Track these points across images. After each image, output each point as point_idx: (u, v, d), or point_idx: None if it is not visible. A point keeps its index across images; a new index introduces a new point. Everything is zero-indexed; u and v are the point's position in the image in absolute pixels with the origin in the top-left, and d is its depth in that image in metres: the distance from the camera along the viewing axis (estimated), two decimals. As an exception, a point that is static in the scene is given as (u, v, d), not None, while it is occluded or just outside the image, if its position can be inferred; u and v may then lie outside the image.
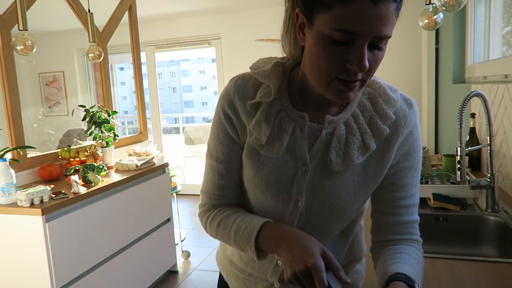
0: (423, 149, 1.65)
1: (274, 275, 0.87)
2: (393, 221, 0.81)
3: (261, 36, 4.27)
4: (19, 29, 2.08)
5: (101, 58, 2.82)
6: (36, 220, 1.83)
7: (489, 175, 1.45)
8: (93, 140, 2.73)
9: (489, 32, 2.16)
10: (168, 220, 2.87)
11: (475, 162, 2.05)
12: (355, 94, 0.69)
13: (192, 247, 3.46)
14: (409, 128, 0.78)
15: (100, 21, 2.97)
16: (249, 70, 0.81)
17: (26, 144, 2.30)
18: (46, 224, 1.84)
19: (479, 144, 1.96)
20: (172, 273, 3.01)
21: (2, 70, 2.19)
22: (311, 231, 0.76)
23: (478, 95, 1.40)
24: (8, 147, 2.11)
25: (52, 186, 2.12)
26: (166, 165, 2.84)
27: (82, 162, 2.47)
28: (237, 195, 0.87)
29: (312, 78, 0.70)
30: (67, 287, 1.97)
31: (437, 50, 2.60)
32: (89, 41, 2.74)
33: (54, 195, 1.96)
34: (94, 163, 2.35)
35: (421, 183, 1.62)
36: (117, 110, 3.15)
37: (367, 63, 0.63)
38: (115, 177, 2.41)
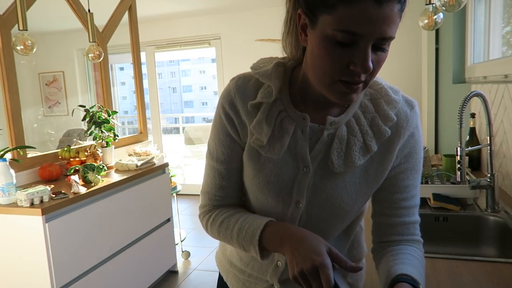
0: (423, 149, 1.65)
1: (274, 275, 0.87)
2: (395, 222, 0.81)
3: (261, 36, 4.27)
4: (19, 29, 2.08)
5: (101, 58, 2.82)
6: (36, 220, 1.83)
7: (489, 175, 1.45)
8: (93, 140, 2.73)
9: (489, 32, 2.16)
10: (168, 220, 2.87)
11: (475, 162, 2.05)
12: (358, 95, 0.69)
13: (192, 247, 3.46)
14: (411, 130, 0.78)
15: (100, 21, 2.96)
16: (249, 70, 0.80)
17: (26, 144, 2.30)
18: (46, 224, 1.84)
19: (479, 144, 1.96)
20: (172, 273, 3.01)
21: (2, 70, 2.19)
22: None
23: (478, 95, 1.40)
24: (8, 147, 2.11)
25: (52, 186, 2.12)
26: (166, 165, 2.84)
27: (82, 162, 2.47)
28: (237, 195, 0.86)
29: (315, 79, 0.70)
30: (67, 287, 1.97)
31: (437, 50, 2.60)
32: (89, 41, 2.74)
33: (54, 195, 1.96)
34: (94, 163, 2.35)
35: (421, 183, 1.61)
36: (117, 110, 3.15)
37: (371, 65, 0.63)
38: (115, 177, 2.41)
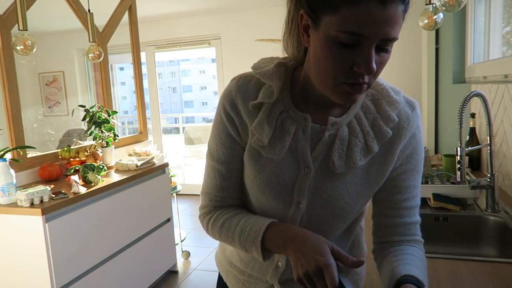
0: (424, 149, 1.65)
1: (275, 276, 0.86)
2: (396, 222, 0.81)
3: (261, 36, 4.27)
4: (19, 29, 2.08)
5: (101, 58, 2.82)
6: (36, 220, 1.83)
7: (489, 175, 1.45)
8: (93, 140, 2.72)
9: (489, 32, 2.16)
10: (168, 220, 2.87)
11: (475, 162, 2.05)
12: (361, 95, 0.68)
13: (192, 247, 3.46)
14: (412, 131, 0.78)
15: (100, 21, 2.96)
16: (249, 70, 0.80)
17: (26, 144, 2.30)
18: (46, 224, 1.84)
19: (479, 144, 1.96)
20: (172, 273, 3.01)
21: (2, 70, 2.19)
22: (313, 233, 0.76)
23: (478, 95, 1.40)
24: (8, 147, 2.11)
25: (52, 186, 2.12)
26: (166, 165, 2.84)
27: (82, 162, 2.47)
28: (238, 196, 0.86)
29: (318, 80, 0.70)
30: (67, 287, 1.97)
31: (437, 50, 2.60)
32: (89, 41, 2.74)
33: (54, 195, 1.96)
34: (94, 163, 2.35)
35: (421, 183, 1.62)
36: (117, 110, 3.15)
37: (374, 66, 0.62)
38: (115, 177, 2.41)
